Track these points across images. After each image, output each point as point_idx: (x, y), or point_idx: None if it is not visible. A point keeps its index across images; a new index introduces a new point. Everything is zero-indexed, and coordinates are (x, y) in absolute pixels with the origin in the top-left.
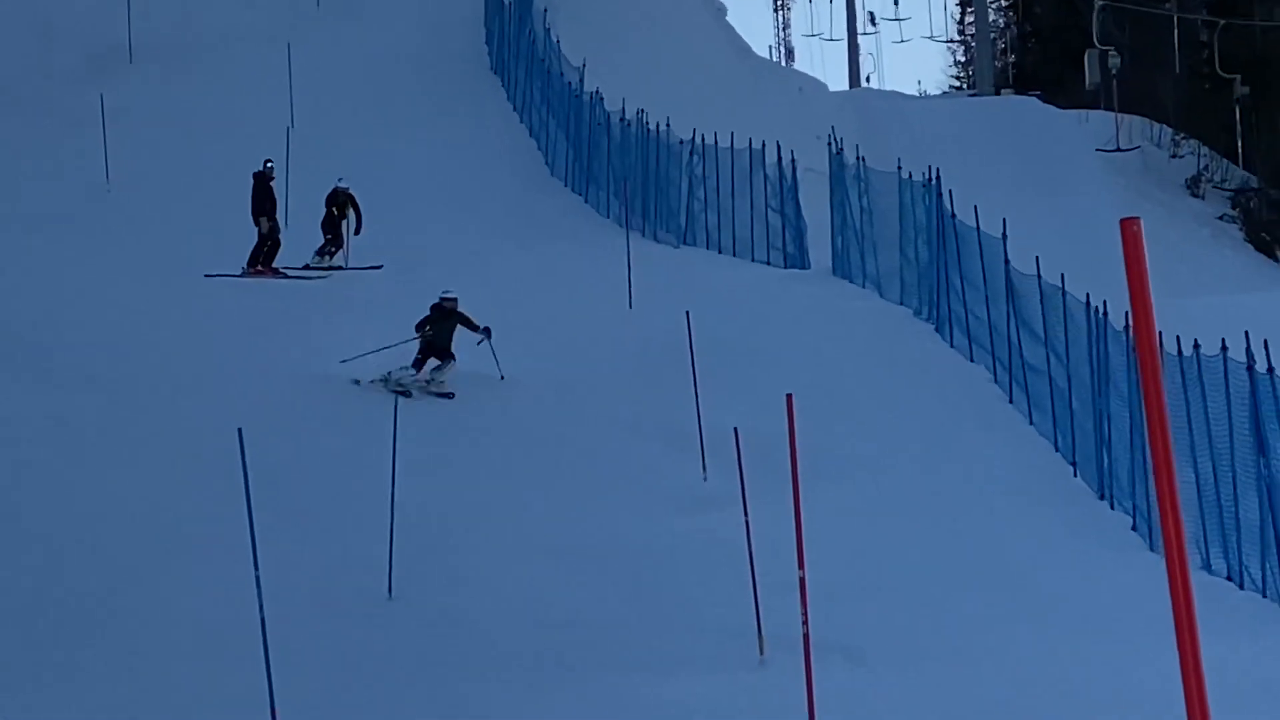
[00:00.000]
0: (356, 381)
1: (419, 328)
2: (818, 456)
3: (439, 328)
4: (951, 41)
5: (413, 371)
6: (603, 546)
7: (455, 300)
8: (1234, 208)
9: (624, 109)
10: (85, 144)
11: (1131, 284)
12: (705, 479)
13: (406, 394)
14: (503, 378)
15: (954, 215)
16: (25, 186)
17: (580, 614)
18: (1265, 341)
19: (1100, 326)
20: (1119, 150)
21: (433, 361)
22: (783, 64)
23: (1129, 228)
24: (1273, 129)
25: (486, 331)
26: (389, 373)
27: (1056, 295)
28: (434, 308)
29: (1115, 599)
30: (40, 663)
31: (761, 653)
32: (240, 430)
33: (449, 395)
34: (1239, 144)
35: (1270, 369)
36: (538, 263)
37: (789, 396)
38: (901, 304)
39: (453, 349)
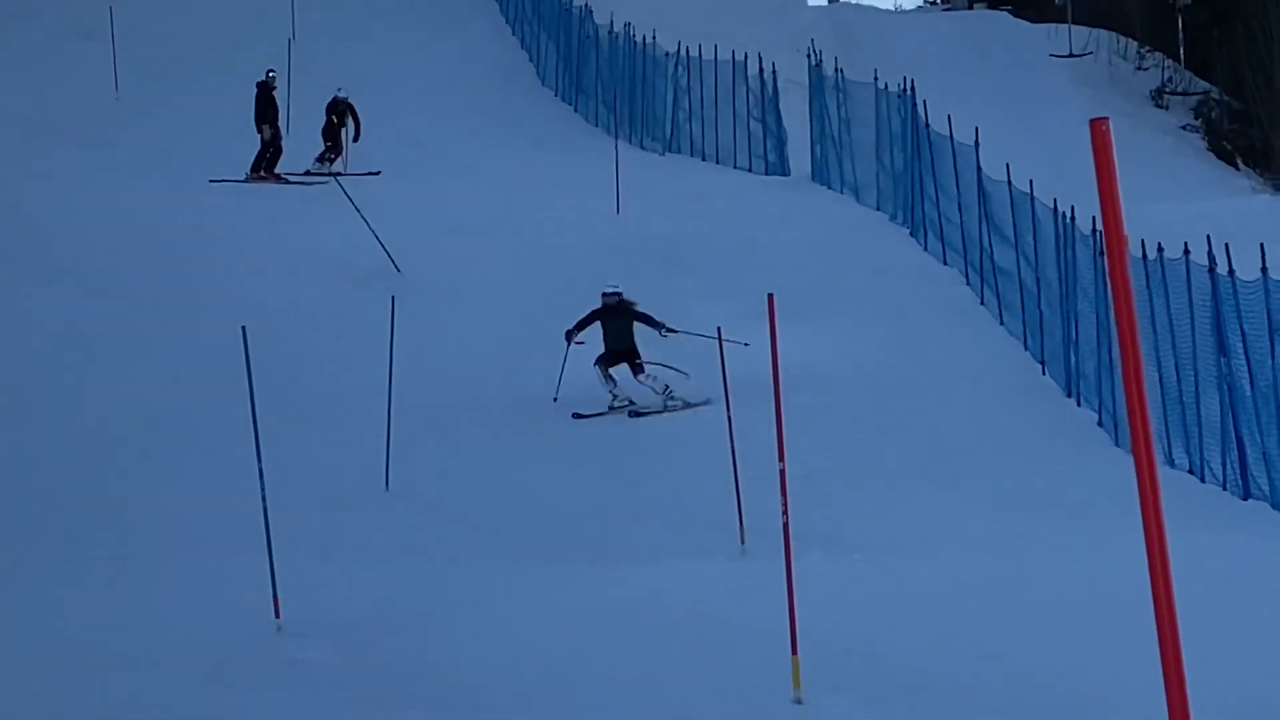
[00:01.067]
0: (579, 415)
1: (570, 335)
2: (795, 354)
3: (613, 329)
4: None
5: (611, 385)
6: (591, 442)
7: (620, 293)
8: (1196, 118)
9: (612, 22)
10: (95, 55)
11: (1101, 183)
12: (689, 377)
13: (640, 412)
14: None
15: (928, 125)
16: (35, 96)
17: (567, 505)
18: (1226, 246)
19: (1068, 231)
20: (1072, 55)
21: (623, 369)
22: None
23: (1098, 128)
24: (1233, 41)
25: (669, 329)
26: (611, 404)
27: (1026, 201)
28: (601, 307)
29: (1081, 491)
30: (51, 557)
31: (742, 542)
32: (244, 329)
33: (704, 403)
34: (1188, 55)
35: (1231, 272)
36: (529, 169)
37: (770, 296)
38: (878, 210)
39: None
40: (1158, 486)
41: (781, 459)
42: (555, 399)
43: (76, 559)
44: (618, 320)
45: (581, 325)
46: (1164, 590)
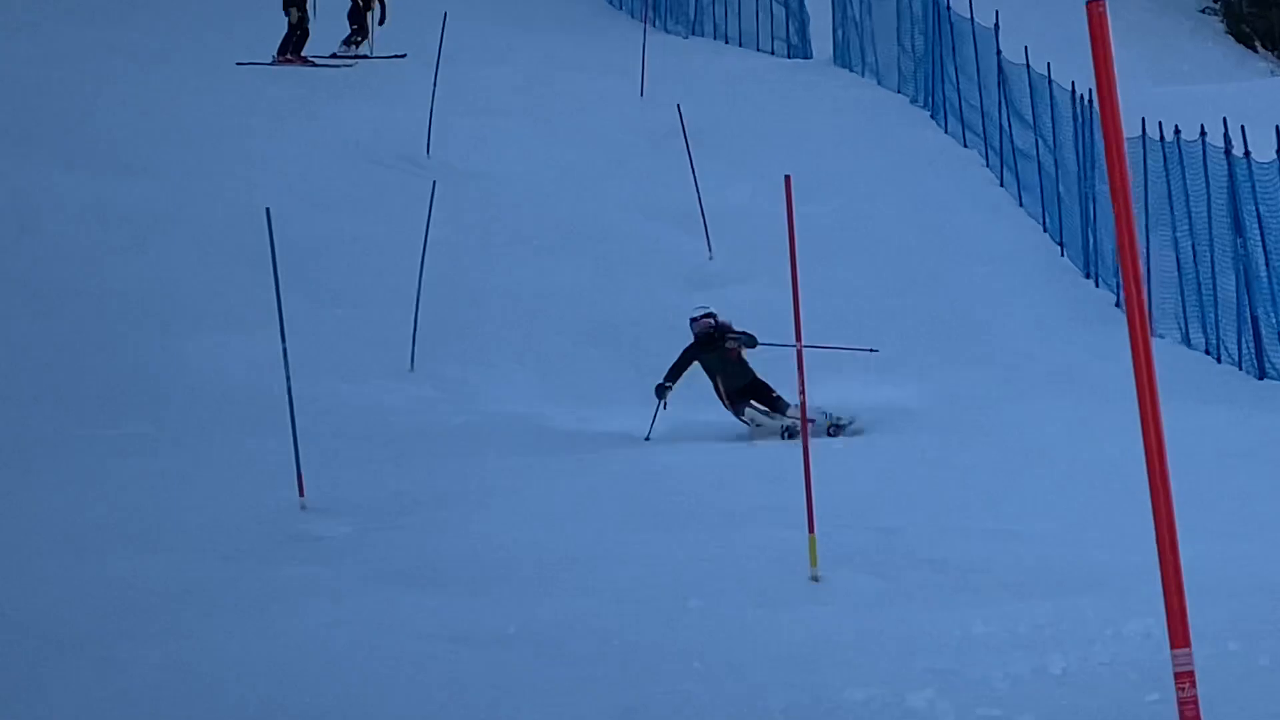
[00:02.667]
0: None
1: (662, 390)
2: (815, 235)
3: (721, 367)
4: None
5: (756, 416)
6: (614, 320)
7: (714, 315)
8: (1215, 0)
9: None
10: None
11: (1096, 64)
12: (711, 258)
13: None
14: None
15: (949, 7)
16: None
17: (590, 381)
18: (1243, 128)
19: (1085, 113)
20: None
21: (774, 416)
22: None
23: (1094, 10)
24: None
25: (750, 340)
26: (785, 427)
27: (1044, 84)
28: (694, 342)
29: (1098, 371)
30: (79, 435)
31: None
32: (268, 210)
33: (846, 423)
34: None
35: (1247, 154)
36: (556, 54)
37: (787, 179)
38: (899, 93)
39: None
40: (1150, 353)
41: (798, 338)
42: (648, 438)
43: (103, 437)
44: (724, 355)
45: (676, 373)
46: (1158, 455)
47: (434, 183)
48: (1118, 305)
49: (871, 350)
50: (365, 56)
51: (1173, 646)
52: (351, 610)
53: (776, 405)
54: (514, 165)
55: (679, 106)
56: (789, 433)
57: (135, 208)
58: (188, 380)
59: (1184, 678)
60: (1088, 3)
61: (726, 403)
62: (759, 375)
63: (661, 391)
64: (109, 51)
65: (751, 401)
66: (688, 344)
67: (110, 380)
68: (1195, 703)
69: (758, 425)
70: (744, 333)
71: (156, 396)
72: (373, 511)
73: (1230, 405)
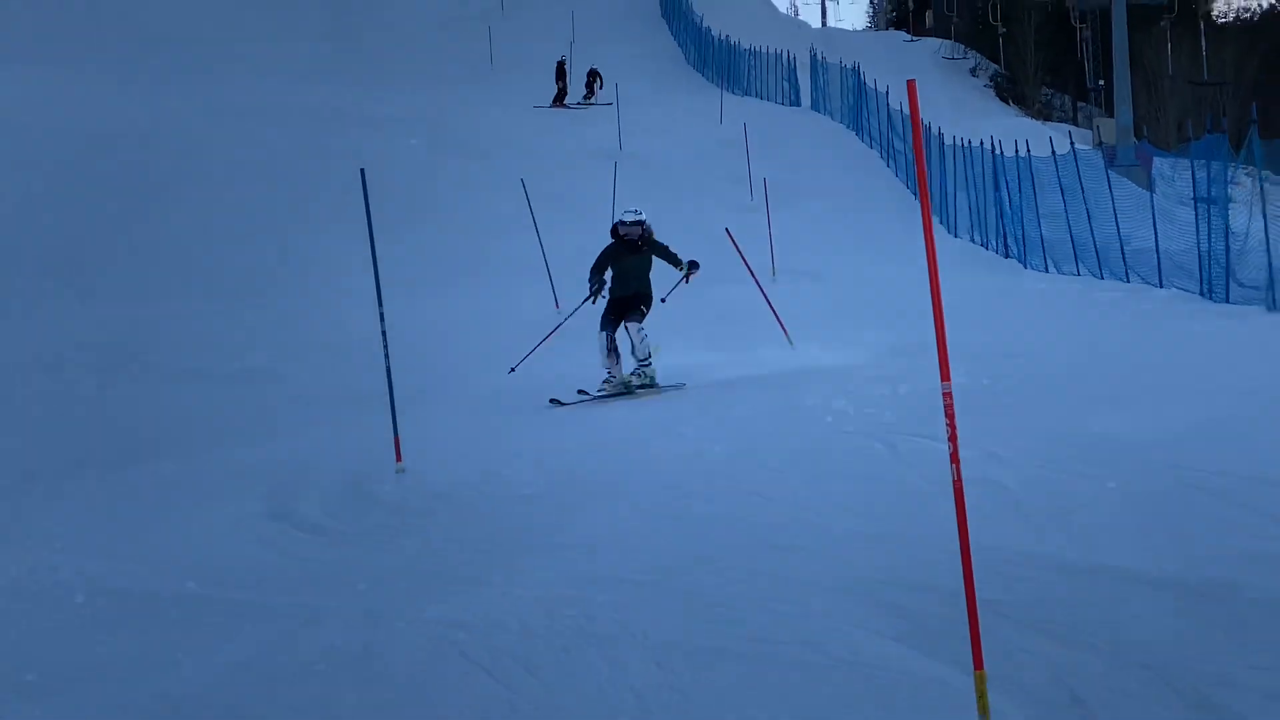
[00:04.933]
0: (556, 401)
1: (595, 273)
2: (792, 188)
3: (631, 270)
4: None
5: (608, 374)
6: (682, 228)
7: (641, 223)
8: (992, 81)
9: (713, 30)
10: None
11: (913, 115)
12: (751, 199)
13: (628, 390)
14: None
15: (862, 81)
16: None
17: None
18: (999, 141)
19: (928, 134)
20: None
21: (631, 328)
22: None
23: (911, 85)
24: (1013, 41)
25: (692, 265)
26: (601, 389)
27: (901, 116)
28: (616, 238)
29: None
30: (204, 413)
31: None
32: (362, 170)
33: (677, 386)
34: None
35: (1001, 153)
36: (673, 96)
37: (765, 183)
38: (841, 123)
39: (652, 294)
40: (933, 244)
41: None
42: (513, 370)
43: (227, 415)
44: (638, 259)
45: (600, 268)
46: (937, 298)
47: (615, 163)
48: (951, 230)
49: (790, 344)
50: (591, 104)
51: (942, 380)
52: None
53: (641, 332)
54: (656, 153)
55: (745, 125)
56: (627, 387)
57: (475, 175)
58: (290, 368)
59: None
60: (908, 80)
61: (610, 329)
62: (651, 295)
63: (595, 291)
64: (481, 98)
65: (614, 332)
66: (609, 246)
67: (230, 354)
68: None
69: (611, 377)
70: (678, 260)
71: (269, 372)
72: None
73: (991, 272)
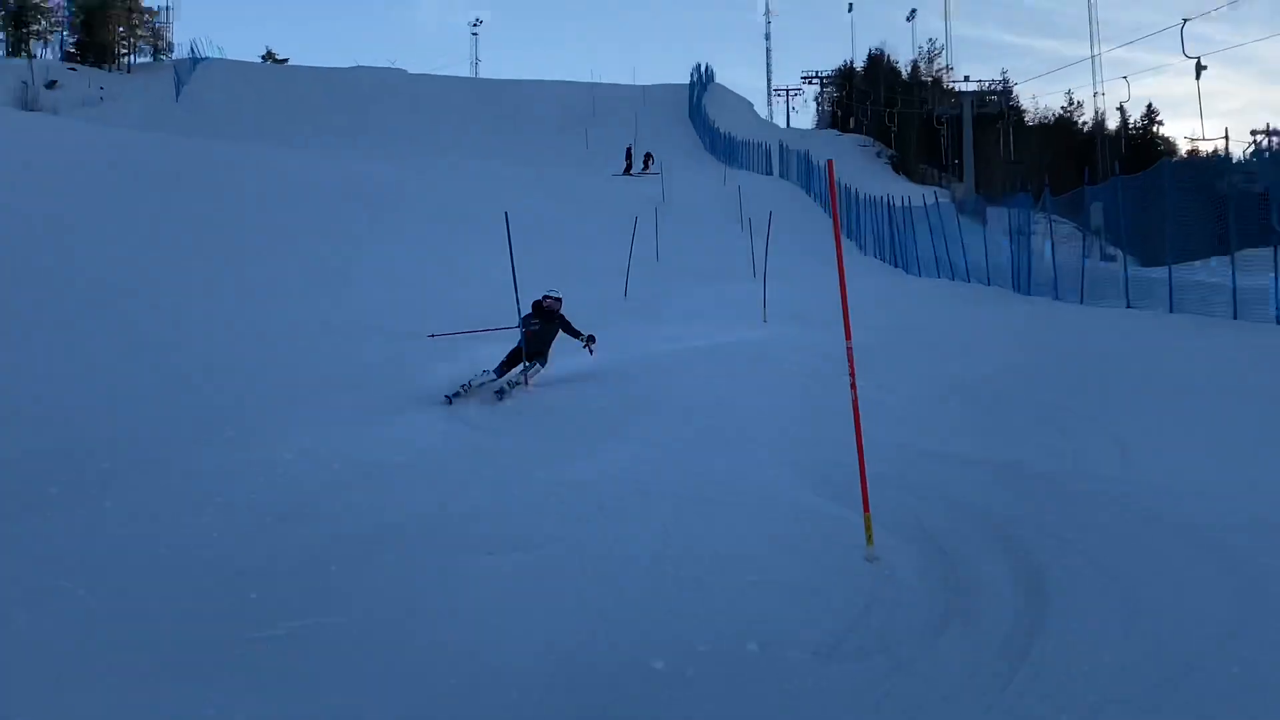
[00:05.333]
0: (448, 399)
1: (525, 322)
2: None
3: (538, 335)
4: None
5: (492, 376)
6: (701, 245)
7: (559, 301)
8: (889, 160)
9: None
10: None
11: (830, 188)
12: (741, 230)
13: (501, 395)
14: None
15: (809, 160)
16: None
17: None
18: (898, 199)
19: (848, 194)
20: (869, 148)
21: (523, 365)
22: None
23: (830, 164)
24: (904, 138)
25: (590, 340)
26: (468, 382)
27: (843, 186)
28: (535, 306)
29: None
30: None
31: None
32: (506, 213)
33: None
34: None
35: (901, 205)
36: (695, 168)
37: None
38: (799, 186)
39: (549, 354)
40: (843, 261)
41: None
42: (450, 399)
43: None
44: (548, 327)
45: (529, 319)
46: (845, 294)
47: (655, 209)
48: (862, 251)
49: (588, 338)
50: (646, 174)
51: (846, 339)
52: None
53: (531, 369)
54: (685, 203)
55: (739, 186)
56: (499, 393)
57: (575, 214)
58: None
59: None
60: (828, 160)
61: (506, 360)
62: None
63: (526, 324)
64: (580, 169)
65: (521, 363)
66: (526, 314)
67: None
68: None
69: (479, 380)
70: (580, 334)
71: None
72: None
73: (886, 276)
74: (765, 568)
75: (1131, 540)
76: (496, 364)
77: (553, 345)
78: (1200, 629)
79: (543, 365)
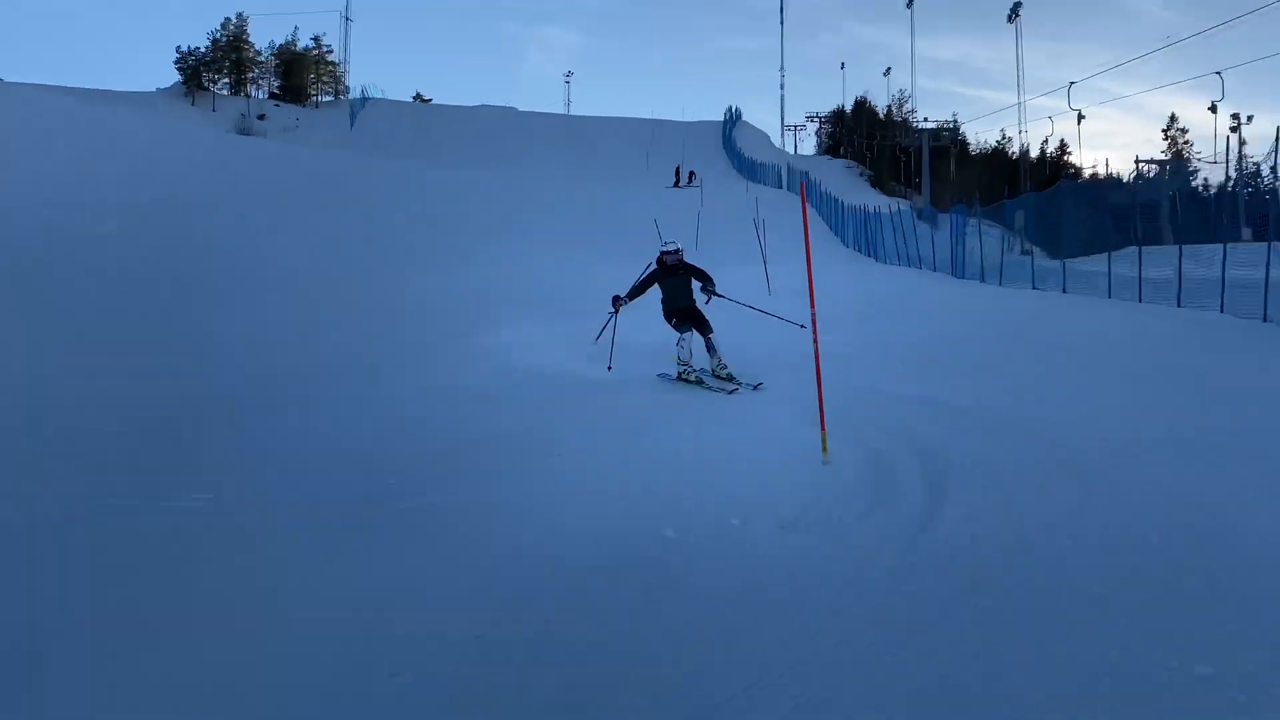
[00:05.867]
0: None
1: (634, 287)
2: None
3: (672, 287)
4: None
5: (684, 348)
6: (727, 239)
7: (680, 251)
8: (867, 179)
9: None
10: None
11: (803, 203)
12: (756, 230)
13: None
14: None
15: (807, 179)
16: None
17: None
18: (878, 207)
19: (834, 204)
20: (853, 169)
21: (705, 346)
22: None
23: (802, 185)
24: (879, 162)
25: (711, 289)
26: (684, 372)
27: (832, 197)
28: (661, 265)
29: (828, 251)
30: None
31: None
32: (655, 220)
33: (755, 385)
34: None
35: (875, 212)
36: (720, 188)
37: (759, 225)
38: (805, 199)
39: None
40: (810, 251)
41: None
42: (610, 368)
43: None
44: (676, 279)
45: (637, 291)
46: (810, 273)
47: (698, 213)
48: (844, 244)
49: (800, 325)
50: (691, 187)
51: (810, 307)
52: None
53: (711, 346)
54: (718, 209)
55: (756, 198)
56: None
57: (640, 215)
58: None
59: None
60: (801, 182)
61: (670, 318)
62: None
63: (617, 302)
64: (641, 182)
65: (690, 327)
66: (652, 269)
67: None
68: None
69: (683, 357)
70: (707, 276)
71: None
72: None
73: (859, 264)
74: (751, 468)
75: (1014, 455)
76: (681, 334)
77: (694, 294)
78: (1050, 514)
79: (705, 318)
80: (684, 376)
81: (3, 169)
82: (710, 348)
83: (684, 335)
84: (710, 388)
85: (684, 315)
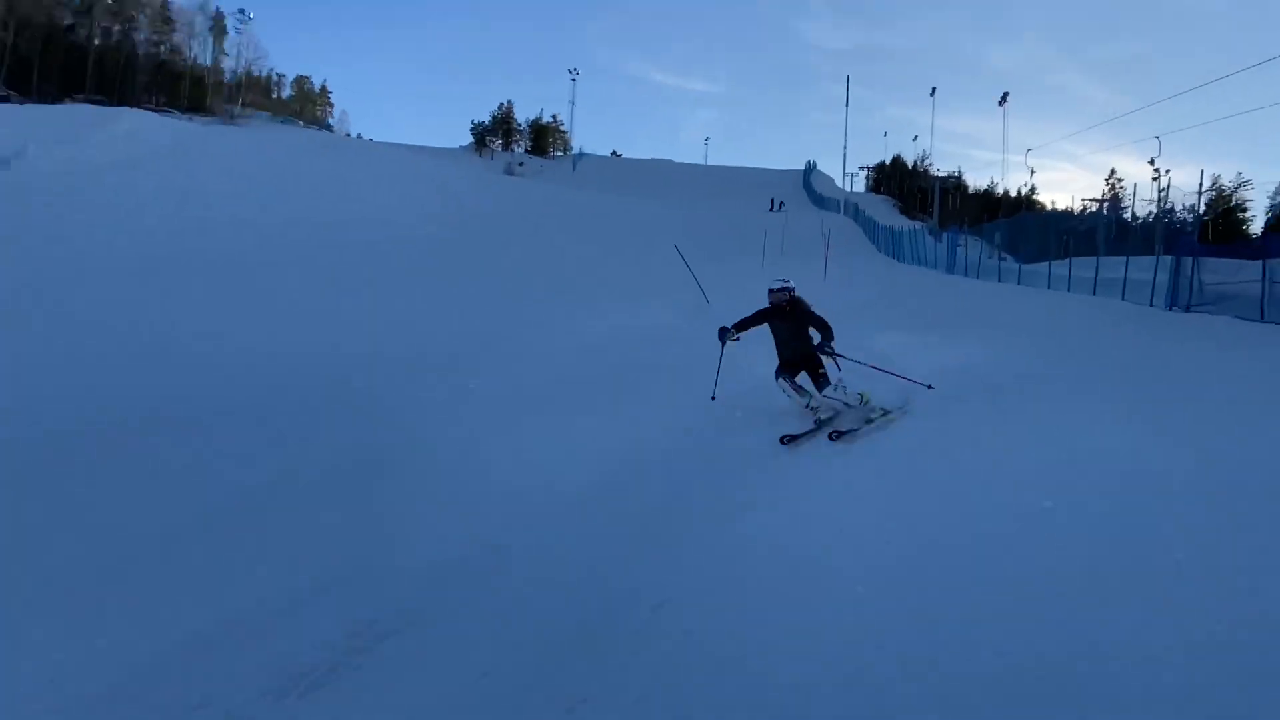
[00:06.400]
0: (789, 438)
1: (726, 333)
2: (804, 245)
3: (784, 333)
4: None
5: (806, 398)
6: (805, 252)
7: (790, 289)
8: (900, 208)
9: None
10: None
11: (826, 245)
12: (823, 245)
13: (840, 432)
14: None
15: (819, 193)
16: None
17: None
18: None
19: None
20: (890, 202)
21: (806, 379)
22: None
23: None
24: (906, 198)
25: (827, 347)
26: (816, 419)
27: (857, 206)
28: (769, 307)
29: (865, 250)
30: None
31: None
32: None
33: (901, 409)
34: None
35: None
36: (744, 230)
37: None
38: (841, 213)
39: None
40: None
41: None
42: (713, 398)
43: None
44: (788, 323)
45: (744, 325)
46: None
47: (781, 230)
48: (879, 251)
49: (929, 386)
50: (780, 211)
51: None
52: None
53: (822, 382)
54: (799, 229)
55: (822, 220)
56: (834, 434)
57: (752, 232)
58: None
59: None
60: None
61: (785, 376)
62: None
63: (724, 335)
64: (754, 209)
65: (794, 379)
66: (763, 307)
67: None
68: None
69: (813, 410)
70: (826, 326)
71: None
72: None
73: (889, 267)
74: (719, 404)
75: (953, 391)
76: (792, 390)
77: (810, 340)
78: (974, 429)
79: (822, 368)
80: (819, 420)
81: (357, 198)
82: (825, 389)
83: (782, 380)
84: (841, 430)
85: (800, 367)
